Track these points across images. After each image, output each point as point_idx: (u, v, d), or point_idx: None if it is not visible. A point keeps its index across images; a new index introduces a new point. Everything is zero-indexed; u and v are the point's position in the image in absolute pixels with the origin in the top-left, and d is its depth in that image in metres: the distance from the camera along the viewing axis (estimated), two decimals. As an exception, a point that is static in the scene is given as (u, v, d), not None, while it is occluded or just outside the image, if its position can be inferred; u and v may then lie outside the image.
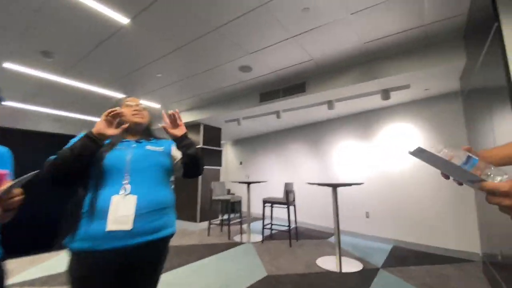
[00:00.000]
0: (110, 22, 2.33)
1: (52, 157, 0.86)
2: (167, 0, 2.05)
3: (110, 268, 0.88)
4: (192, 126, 5.40)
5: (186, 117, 5.23)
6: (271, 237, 4.23)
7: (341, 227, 4.22)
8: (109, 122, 0.93)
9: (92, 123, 6.56)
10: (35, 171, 0.70)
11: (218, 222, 4.92)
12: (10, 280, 2.13)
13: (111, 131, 0.92)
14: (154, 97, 4.49)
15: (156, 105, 4.94)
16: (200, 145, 5.14)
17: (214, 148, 5.45)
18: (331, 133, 5.08)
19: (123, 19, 2.29)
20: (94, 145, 0.89)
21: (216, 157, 5.47)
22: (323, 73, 3.42)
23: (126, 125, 0.97)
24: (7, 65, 3.18)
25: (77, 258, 0.85)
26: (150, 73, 3.47)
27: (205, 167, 5.12)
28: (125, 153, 0.98)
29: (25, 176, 0.65)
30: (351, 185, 3.03)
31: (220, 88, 4.00)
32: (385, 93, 3.36)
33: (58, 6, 2.11)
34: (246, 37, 2.57)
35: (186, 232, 4.70)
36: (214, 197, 4.42)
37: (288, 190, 3.82)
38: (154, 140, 1.15)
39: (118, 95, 4.30)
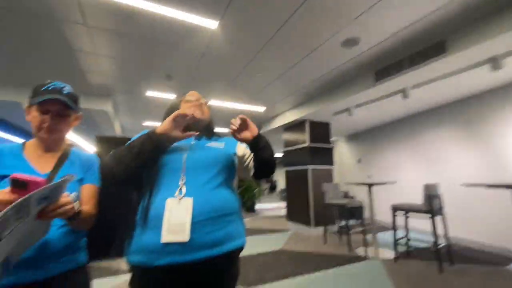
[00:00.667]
0: (202, 31, 2.46)
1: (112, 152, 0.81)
2: (249, -16, 1.92)
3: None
4: (297, 125, 5.19)
5: (290, 116, 5.09)
6: (408, 255, 3.30)
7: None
8: (177, 124, 0.81)
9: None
10: (64, 177, 0.64)
11: (337, 229, 4.41)
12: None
13: (177, 133, 0.81)
14: (258, 100, 4.60)
15: (260, 109, 5.08)
16: (307, 143, 4.83)
17: (323, 145, 4.99)
18: (499, 109, 3.49)
19: (212, 24, 2.35)
20: (155, 147, 0.78)
21: (326, 156, 4.99)
22: (477, 18, 2.31)
23: (195, 133, 0.85)
24: (149, 93, 4.10)
25: (134, 273, 0.76)
26: (250, 74, 3.52)
27: (315, 166, 4.77)
28: (182, 151, 0.86)
29: (52, 184, 0.59)
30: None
31: (322, 75, 3.56)
32: None
33: (161, 29, 2.43)
34: (346, -2, 2.06)
35: (300, 236, 4.49)
36: (327, 201, 3.98)
37: (432, 195, 2.84)
38: (215, 137, 1.02)
39: (227, 104, 4.69)
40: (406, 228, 3.40)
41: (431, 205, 2.78)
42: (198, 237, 0.72)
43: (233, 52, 2.89)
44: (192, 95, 1.01)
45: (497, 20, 2.19)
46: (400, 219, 3.93)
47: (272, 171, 0.95)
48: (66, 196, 0.67)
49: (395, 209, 3.18)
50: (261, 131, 6.18)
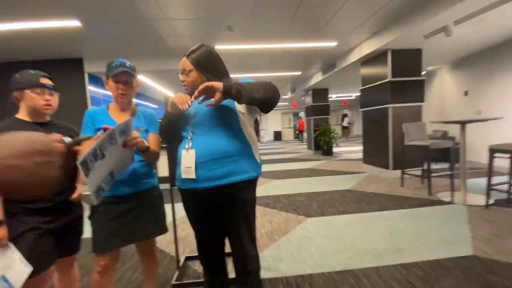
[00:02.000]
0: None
1: None
2: None
3: (193, 204, 1.13)
4: (376, 57, 4.54)
5: (367, 48, 4.47)
6: (508, 203, 2.83)
7: None
8: (174, 108, 1.01)
9: (281, 77, 7.56)
10: (129, 118, 1.03)
11: (420, 172, 4.05)
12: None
13: (176, 110, 1.00)
14: (326, 34, 4.21)
15: (331, 44, 4.66)
16: (388, 78, 4.26)
17: (410, 78, 4.28)
18: None
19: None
20: (170, 119, 1.09)
21: (413, 91, 4.30)
22: None
23: (187, 106, 0.98)
24: (218, 47, 4.41)
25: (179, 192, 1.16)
26: (311, 5, 3.20)
27: (397, 105, 4.26)
28: (189, 112, 1.09)
29: (123, 122, 0.99)
30: None
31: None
32: None
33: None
34: None
35: (374, 179, 4.40)
36: (407, 143, 3.64)
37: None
38: None
39: (294, 45, 4.50)
40: (511, 173, 2.83)
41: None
42: (201, 173, 1.01)
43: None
44: (180, 65, 1.14)
45: None
46: (504, 162, 3.26)
47: (268, 104, 1.04)
48: (135, 133, 1.08)
49: (493, 151, 2.66)
50: (336, 69, 5.75)
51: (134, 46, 4.23)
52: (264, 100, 1.02)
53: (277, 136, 18.24)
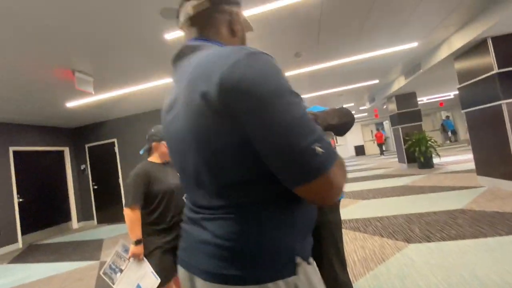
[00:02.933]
0: None
1: None
2: None
3: None
4: (474, 49, 3.94)
5: (459, 40, 3.93)
6: None
7: None
8: None
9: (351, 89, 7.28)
10: None
11: None
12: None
13: None
14: (404, 36, 3.93)
15: (411, 45, 4.31)
16: (494, 70, 3.60)
17: (528, 65, 3.51)
18: None
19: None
20: None
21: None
22: None
23: None
24: (288, 73, 4.73)
25: None
26: (381, 11, 3.13)
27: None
28: None
29: None
30: None
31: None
32: None
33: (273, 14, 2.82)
34: None
35: (497, 194, 3.61)
36: (538, 144, 2.94)
37: None
38: None
39: (366, 55, 4.38)
40: None
41: None
42: None
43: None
44: None
45: None
46: None
47: (343, 128, 1.08)
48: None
49: None
50: (422, 70, 5.21)
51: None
52: (339, 125, 1.09)
53: (360, 150, 17.03)
